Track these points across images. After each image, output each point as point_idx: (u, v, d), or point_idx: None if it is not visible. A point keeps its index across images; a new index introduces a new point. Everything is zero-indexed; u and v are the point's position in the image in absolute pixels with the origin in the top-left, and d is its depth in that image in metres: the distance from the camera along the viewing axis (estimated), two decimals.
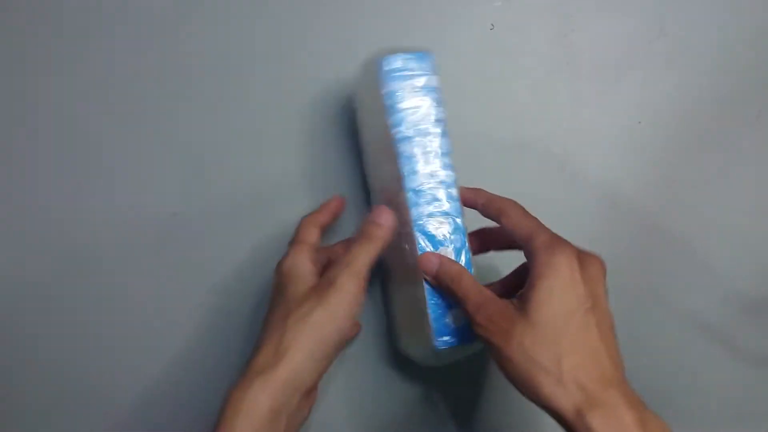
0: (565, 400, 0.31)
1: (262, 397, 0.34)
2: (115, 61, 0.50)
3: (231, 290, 0.48)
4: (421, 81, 0.39)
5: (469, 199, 0.40)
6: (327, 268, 0.39)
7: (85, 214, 0.49)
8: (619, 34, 0.49)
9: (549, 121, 0.49)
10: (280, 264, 0.40)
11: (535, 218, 0.37)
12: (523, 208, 0.38)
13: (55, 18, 0.50)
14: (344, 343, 0.38)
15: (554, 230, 0.39)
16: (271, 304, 0.39)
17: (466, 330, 0.38)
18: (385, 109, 0.39)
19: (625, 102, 0.49)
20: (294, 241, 0.41)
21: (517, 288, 0.39)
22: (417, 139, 0.39)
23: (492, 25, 0.50)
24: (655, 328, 0.49)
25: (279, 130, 0.49)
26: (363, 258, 0.37)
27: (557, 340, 0.32)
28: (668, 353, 0.49)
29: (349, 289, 0.36)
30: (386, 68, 0.39)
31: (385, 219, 0.39)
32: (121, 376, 0.49)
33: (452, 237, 0.39)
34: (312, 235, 0.41)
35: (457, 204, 0.39)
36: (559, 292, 0.33)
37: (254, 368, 0.35)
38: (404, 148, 0.39)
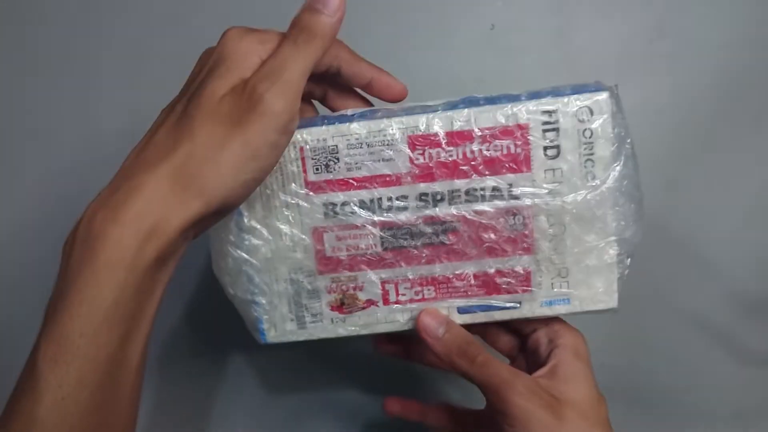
0: None
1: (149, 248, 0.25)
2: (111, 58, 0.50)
3: None
4: None
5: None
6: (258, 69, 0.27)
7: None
8: (619, 34, 0.49)
9: None
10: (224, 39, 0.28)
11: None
12: None
13: (56, 15, 0.50)
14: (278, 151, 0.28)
15: None
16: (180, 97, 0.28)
17: None
18: None
19: (625, 102, 0.49)
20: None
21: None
22: None
23: (492, 25, 0.49)
24: (656, 327, 0.49)
25: None
26: (299, 65, 0.27)
27: (593, 418, 0.32)
28: (668, 353, 0.49)
29: (278, 111, 0.26)
30: None
31: (331, 5, 0.27)
32: None
33: None
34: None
35: None
36: (585, 377, 0.33)
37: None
38: None
